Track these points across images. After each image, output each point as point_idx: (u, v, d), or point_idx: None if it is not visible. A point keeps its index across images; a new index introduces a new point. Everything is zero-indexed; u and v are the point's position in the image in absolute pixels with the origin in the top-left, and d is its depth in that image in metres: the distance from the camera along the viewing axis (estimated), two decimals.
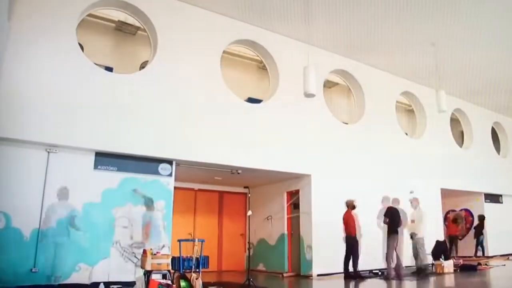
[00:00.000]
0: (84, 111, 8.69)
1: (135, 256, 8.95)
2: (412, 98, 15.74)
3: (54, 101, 8.37)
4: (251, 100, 12.05)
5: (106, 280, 8.48)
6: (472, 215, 17.80)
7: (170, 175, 9.77)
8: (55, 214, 8.19)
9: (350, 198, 11.30)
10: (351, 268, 10.88)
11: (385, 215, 10.88)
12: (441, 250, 12.67)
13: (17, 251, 7.72)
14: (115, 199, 8.95)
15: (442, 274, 11.41)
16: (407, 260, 11.81)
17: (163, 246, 9.33)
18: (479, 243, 16.67)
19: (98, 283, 8.20)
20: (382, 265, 11.37)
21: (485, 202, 17.35)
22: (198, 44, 10.49)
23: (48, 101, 8.29)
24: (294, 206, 12.67)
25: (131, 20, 10.62)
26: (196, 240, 8.51)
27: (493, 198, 17.71)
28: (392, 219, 10.71)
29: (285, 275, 11.92)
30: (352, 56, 13.38)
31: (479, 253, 16.49)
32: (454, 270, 11.92)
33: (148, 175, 9.47)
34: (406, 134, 15.62)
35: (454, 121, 17.41)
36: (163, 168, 9.69)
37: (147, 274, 8.21)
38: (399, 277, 10.53)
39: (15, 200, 7.85)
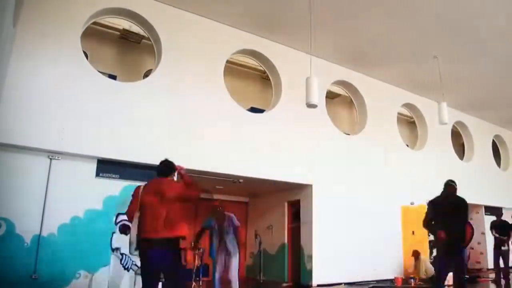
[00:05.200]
0: (87, 118, 8.71)
1: (135, 264, 8.93)
2: (413, 110, 15.78)
3: (57, 108, 8.39)
4: (253, 109, 12.07)
5: None
6: (472, 228, 17.72)
7: None
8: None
9: None
10: None
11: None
12: None
13: (17, 257, 7.69)
14: (117, 207, 8.94)
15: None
16: None
17: None
18: None
19: None
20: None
21: (485, 214, 17.32)
22: (202, 53, 10.56)
23: (51, 108, 8.32)
24: (295, 216, 12.66)
25: (135, 28, 10.66)
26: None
27: (494, 210, 17.66)
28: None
29: (284, 285, 11.89)
30: (354, 67, 13.44)
31: None
32: None
33: None
34: (407, 145, 15.63)
35: (455, 134, 17.43)
36: None
37: None
38: None
39: (16, 206, 7.82)
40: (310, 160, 11.93)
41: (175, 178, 6.74)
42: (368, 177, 13.08)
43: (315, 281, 11.19)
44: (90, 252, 8.44)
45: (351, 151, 12.92)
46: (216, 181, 11.42)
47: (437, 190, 14.88)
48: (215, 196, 13.87)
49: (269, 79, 12.31)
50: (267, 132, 11.27)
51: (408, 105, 15.58)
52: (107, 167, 8.99)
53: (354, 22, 10.87)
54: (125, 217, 8.82)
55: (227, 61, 11.32)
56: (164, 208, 5.34)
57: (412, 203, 14.11)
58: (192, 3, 10.35)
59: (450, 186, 7.94)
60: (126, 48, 11.45)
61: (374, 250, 12.43)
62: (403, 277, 12.39)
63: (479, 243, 17.24)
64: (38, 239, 7.93)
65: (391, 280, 12.15)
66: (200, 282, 8.97)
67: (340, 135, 13.04)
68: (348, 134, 13.68)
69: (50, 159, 8.36)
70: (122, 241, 8.88)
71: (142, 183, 9.13)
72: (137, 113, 9.37)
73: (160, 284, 5.46)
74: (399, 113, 15.29)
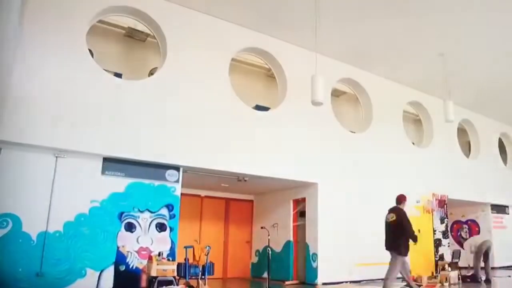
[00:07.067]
0: (93, 116, 8.73)
1: (140, 262, 8.95)
2: (419, 107, 15.71)
3: (63, 106, 8.42)
4: (258, 107, 12.07)
5: (111, 286, 8.50)
6: (478, 226, 17.70)
7: (177, 181, 9.78)
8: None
9: None
10: None
11: None
12: None
13: (23, 254, 7.72)
14: (122, 204, 8.98)
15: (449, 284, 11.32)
16: None
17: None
18: None
19: None
20: None
21: (492, 212, 17.26)
22: (207, 51, 10.54)
23: (57, 106, 8.35)
24: (300, 214, 12.64)
25: (141, 26, 10.66)
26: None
27: (500, 209, 17.61)
28: None
29: (287, 283, 11.84)
30: (360, 65, 13.39)
31: None
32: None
33: (155, 181, 9.49)
34: (413, 143, 15.57)
35: (461, 131, 17.35)
36: (170, 174, 9.70)
37: (153, 280, 8.22)
38: None
39: (23, 204, 7.86)
40: (316, 158, 11.90)
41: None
42: (373, 175, 13.03)
43: (320, 279, 11.18)
44: (96, 249, 8.48)
45: (356, 149, 12.88)
46: (222, 179, 11.43)
47: (442, 188, 14.93)
48: (221, 194, 13.94)
49: (275, 77, 12.29)
50: (272, 129, 11.25)
51: (414, 103, 15.52)
52: (113, 165, 9.01)
53: (359, 20, 10.82)
54: (130, 213, 8.95)
55: (232, 59, 11.31)
56: None
57: (418, 201, 14.06)
58: (197, 1, 10.34)
59: None
60: (132, 46, 11.45)
61: (380, 248, 12.38)
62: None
63: None
64: (44, 236, 7.97)
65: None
66: (206, 280, 8.97)
67: (345, 133, 13.00)
68: (354, 132, 13.63)
69: (56, 157, 8.38)
70: (127, 239, 8.91)
71: (147, 181, 9.29)
72: (143, 111, 9.38)
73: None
74: (404, 111, 15.23)
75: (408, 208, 13.61)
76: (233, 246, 13.92)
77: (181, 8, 10.34)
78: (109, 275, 8.53)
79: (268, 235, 10.26)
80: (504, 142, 19.24)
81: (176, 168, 9.79)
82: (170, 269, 8.34)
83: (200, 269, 8.90)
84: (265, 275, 13.13)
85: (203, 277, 8.89)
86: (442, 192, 15.00)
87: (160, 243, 9.31)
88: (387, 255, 12.22)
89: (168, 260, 8.80)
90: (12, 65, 7.81)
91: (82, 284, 8.21)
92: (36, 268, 7.80)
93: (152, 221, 9.31)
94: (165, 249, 9.31)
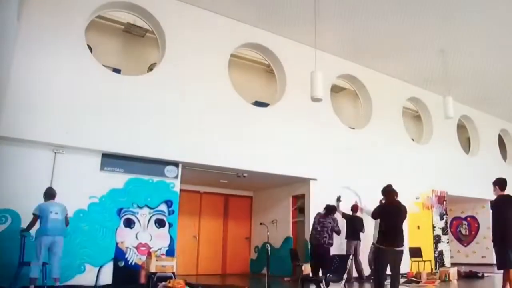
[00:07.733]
0: (92, 112, 8.71)
1: (139, 258, 8.95)
2: (419, 104, 15.68)
3: (62, 102, 8.40)
4: (258, 103, 12.03)
5: (110, 282, 8.50)
6: (478, 222, 17.72)
7: (176, 177, 9.78)
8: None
9: None
10: None
11: None
12: None
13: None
14: (121, 200, 8.97)
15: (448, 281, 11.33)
16: None
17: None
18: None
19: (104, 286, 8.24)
20: None
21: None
22: (206, 47, 10.51)
23: (55, 102, 8.33)
24: (299, 210, 12.62)
25: (140, 22, 10.64)
26: None
27: None
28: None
29: (286, 279, 11.84)
30: (359, 61, 13.35)
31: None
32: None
33: (154, 177, 9.49)
34: (413, 140, 15.56)
35: (461, 128, 17.33)
36: (169, 170, 9.70)
37: (152, 276, 8.21)
38: None
39: (22, 200, 7.84)
40: (315, 154, 11.88)
41: None
42: (373, 171, 13.00)
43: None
44: (95, 245, 8.50)
45: (356, 145, 12.85)
46: (221, 175, 11.40)
47: (442, 184, 14.92)
48: (220, 190, 13.92)
49: (274, 73, 12.26)
50: (271, 126, 11.22)
51: (413, 99, 15.49)
52: (112, 161, 9.01)
53: (359, 15, 10.78)
54: (129, 209, 8.93)
55: (232, 55, 11.28)
56: None
57: (417, 198, 14.05)
58: None
59: None
60: (130, 41, 11.43)
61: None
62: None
63: (484, 238, 17.17)
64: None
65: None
66: None
67: (345, 129, 12.98)
68: (353, 128, 13.61)
69: (55, 153, 8.38)
70: (126, 235, 8.91)
71: (145, 177, 9.28)
72: (142, 107, 9.36)
73: None
74: (404, 107, 15.21)
75: (408, 205, 13.77)
76: (232, 242, 13.92)
77: (180, 3, 10.31)
78: (108, 271, 8.53)
79: (267, 231, 10.19)
80: (504, 138, 19.19)
81: (175, 164, 9.78)
82: (169, 265, 8.33)
83: None
84: (264, 271, 13.16)
85: None
86: (441, 189, 15.01)
87: (159, 239, 9.32)
88: None
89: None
90: (11, 61, 7.80)
91: (81, 280, 8.22)
92: None
93: (151, 217, 9.32)
94: (164, 245, 9.33)
